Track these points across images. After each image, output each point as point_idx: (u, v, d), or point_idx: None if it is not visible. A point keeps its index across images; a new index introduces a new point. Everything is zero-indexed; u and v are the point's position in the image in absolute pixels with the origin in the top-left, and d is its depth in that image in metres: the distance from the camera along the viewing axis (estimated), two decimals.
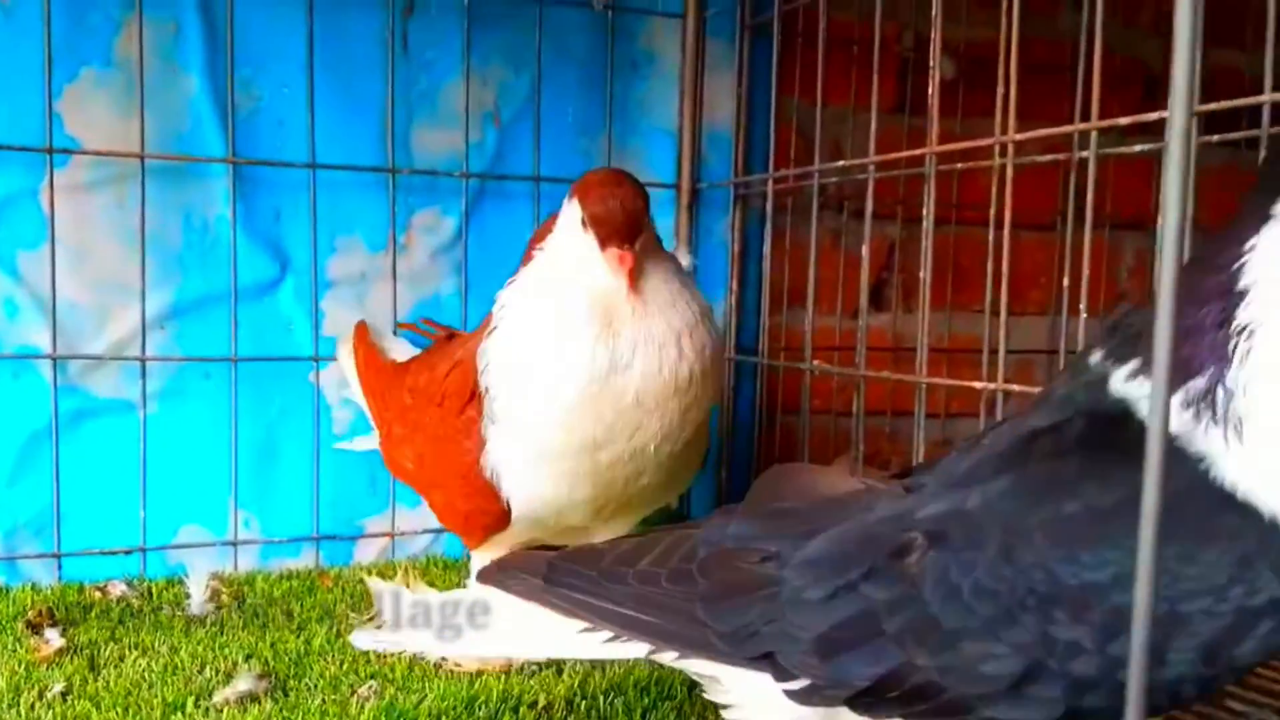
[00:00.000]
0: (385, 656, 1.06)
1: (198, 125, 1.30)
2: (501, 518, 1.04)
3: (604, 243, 0.97)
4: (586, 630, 0.76)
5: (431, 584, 1.21)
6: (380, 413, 1.21)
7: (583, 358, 0.96)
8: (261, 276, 1.34)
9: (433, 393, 1.09)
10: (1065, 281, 1.14)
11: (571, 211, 1.00)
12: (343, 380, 1.33)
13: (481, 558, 1.11)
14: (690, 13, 1.48)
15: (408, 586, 1.18)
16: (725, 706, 0.74)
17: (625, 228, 0.97)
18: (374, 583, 1.20)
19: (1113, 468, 0.61)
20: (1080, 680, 0.59)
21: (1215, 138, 1.03)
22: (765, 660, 0.69)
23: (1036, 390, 1.09)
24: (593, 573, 0.77)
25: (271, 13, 1.31)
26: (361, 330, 1.29)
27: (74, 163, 1.25)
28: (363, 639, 1.10)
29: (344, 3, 1.33)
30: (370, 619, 1.15)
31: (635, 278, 0.97)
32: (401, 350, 1.29)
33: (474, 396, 1.03)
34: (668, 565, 0.74)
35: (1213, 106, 0.89)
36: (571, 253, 1.00)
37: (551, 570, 0.79)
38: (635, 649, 0.75)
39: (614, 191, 0.98)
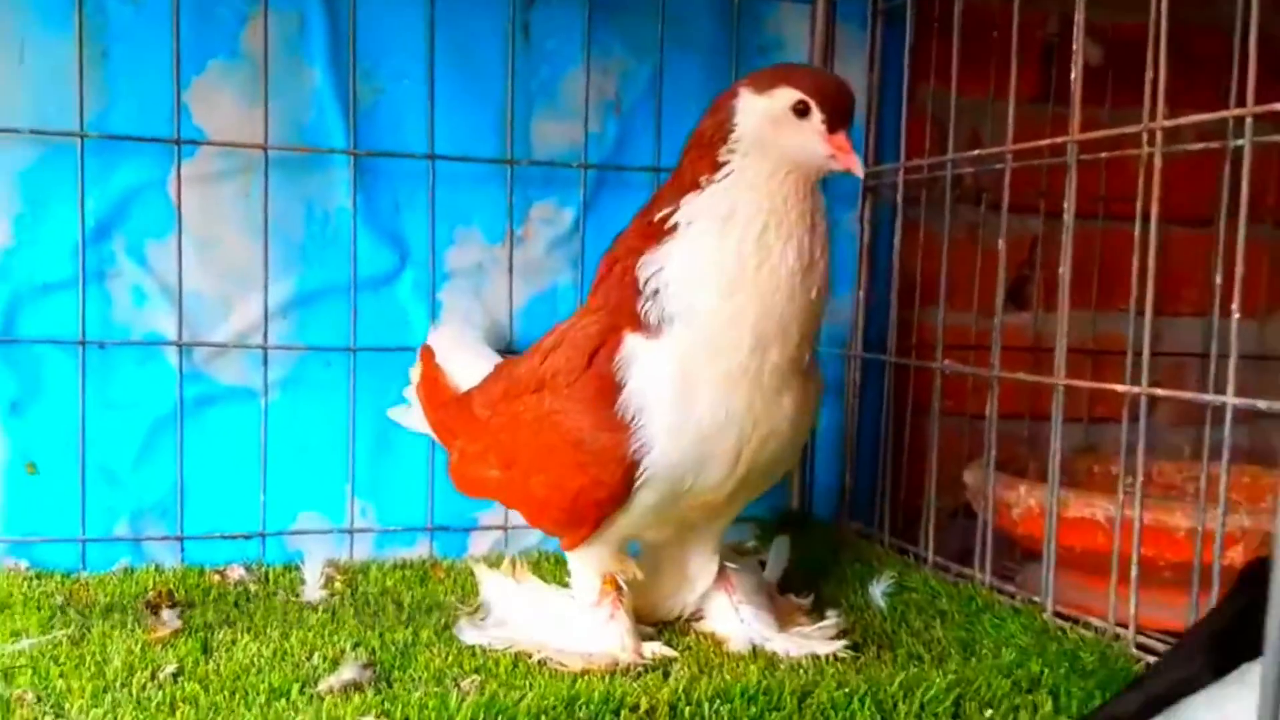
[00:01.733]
0: (490, 651, 1.05)
1: (320, 117, 1.31)
2: (620, 487, 0.99)
3: (834, 125, 0.97)
4: None
5: (540, 577, 1.20)
6: (448, 439, 1.20)
7: (790, 254, 0.97)
8: (381, 267, 1.34)
9: (521, 387, 1.07)
10: (1218, 279, 1.06)
11: (775, 101, 0.98)
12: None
13: (582, 563, 1.08)
14: None
15: (514, 576, 1.17)
16: None
17: (851, 110, 0.98)
18: (480, 570, 1.19)
19: None
20: None
21: None
22: None
23: (1185, 395, 1.02)
24: None
25: (393, 4, 1.31)
26: (427, 358, 1.27)
27: (200, 154, 1.27)
28: (468, 633, 1.09)
29: None
30: (475, 611, 1.14)
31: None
32: (471, 358, 1.27)
33: (591, 361, 1.00)
34: None
35: None
36: (778, 143, 0.98)
37: None
38: None
39: (830, 75, 1.00)
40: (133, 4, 1.24)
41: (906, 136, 1.46)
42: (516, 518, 1.37)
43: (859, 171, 0.98)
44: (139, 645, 1.03)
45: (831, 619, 1.13)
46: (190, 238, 1.27)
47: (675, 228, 0.99)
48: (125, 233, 1.27)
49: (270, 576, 1.26)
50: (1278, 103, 0.89)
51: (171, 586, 1.19)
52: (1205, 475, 1.05)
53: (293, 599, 1.19)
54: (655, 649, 1.06)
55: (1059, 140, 1.12)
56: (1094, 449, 1.58)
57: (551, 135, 1.38)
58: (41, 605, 1.13)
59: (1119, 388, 1.05)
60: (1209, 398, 0.99)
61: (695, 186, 1.00)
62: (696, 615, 1.15)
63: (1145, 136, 1.03)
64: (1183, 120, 0.99)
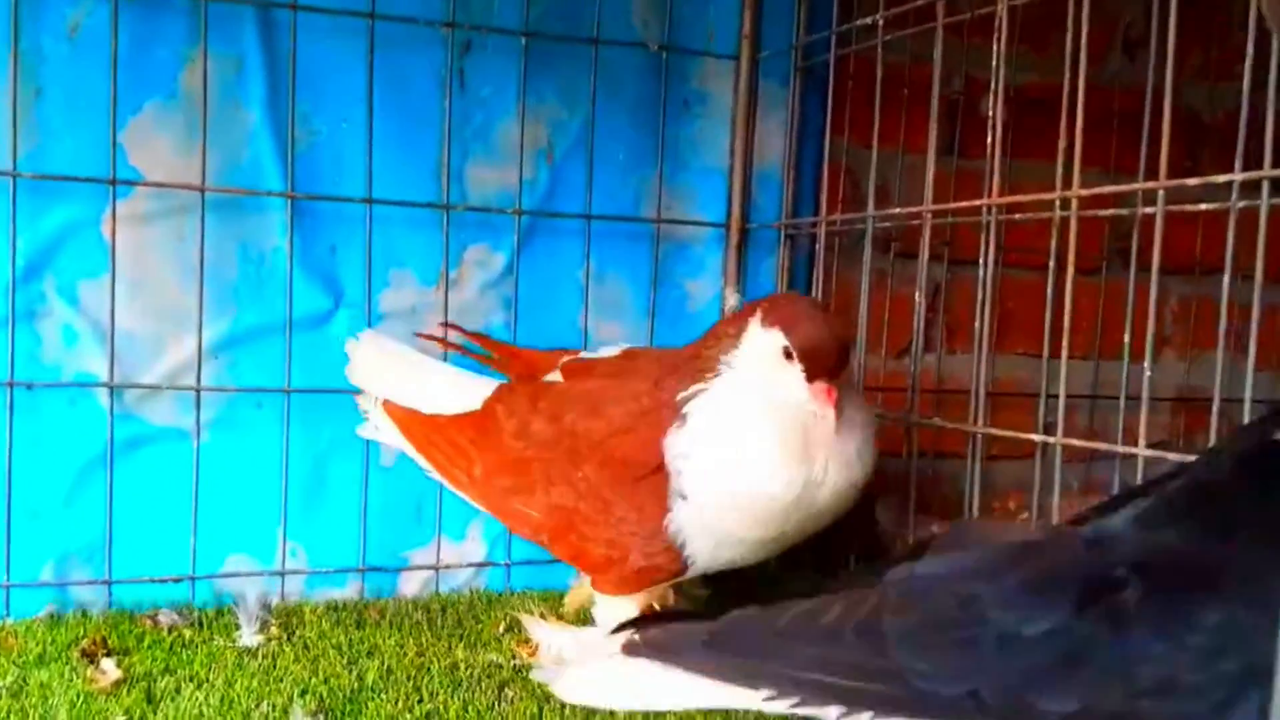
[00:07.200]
0: (438, 695, 1.07)
1: (257, 159, 1.31)
2: (679, 574, 1.06)
3: (812, 376, 0.99)
4: (769, 698, 0.77)
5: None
6: (455, 458, 1.17)
7: (780, 481, 1.00)
8: (315, 308, 1.34)
9: (582, 450, 1.07)
10: (1127, 332, 1.15)
11: (769, 339, 1.01)
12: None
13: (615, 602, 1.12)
14: (743, 54, 1.49)
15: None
16: None
17: (836, 364, 1.00)
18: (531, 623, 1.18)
19: None
20: None
21: None
22: (970, 698, 0.69)
23: (1089, 444, 1.10)
24: (768, 636, 0.78)
25: (332, 49, 1.32)
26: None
27: (136, 194, 1.26)
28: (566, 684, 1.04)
29: (403, 40, 1.34)
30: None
31: (839, 411, 0.99)
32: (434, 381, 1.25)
33: (659, 469, 1.03)
34: (851, 620, 0.75)
35: None
36: (767, 378, 1.02)
37: (715, 638, 0.80)
38: (823, 713, 0.75)
39: (824, 328, 1.00)
40: (69, 42, 1.23)
41: (827, 189, 1.52)
42: (446, 557, 1.40)
43: (830, 425, 0.99)
44: (82, 697, 1.02)
45: None
46: (123, 278, 1.25)
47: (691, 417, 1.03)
48: (56, 272, 1.25)
49: (203, 620, 1.25)
50: (1167, 164, 0.98)
51: (104, 633, 1.17)
52: None
53: (229, 644, 1.18)
54: None
55: (977, 203, 1.19)
56: (991, 487, 1.67)
57: (485, 181, 1.40)
58: None
59: (1035, 437, 1.13)
60: (1120, 449, 1.06)
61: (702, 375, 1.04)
62: None
63: (1059, 203, 1.11)
64: (1097, 190, 1.07)
